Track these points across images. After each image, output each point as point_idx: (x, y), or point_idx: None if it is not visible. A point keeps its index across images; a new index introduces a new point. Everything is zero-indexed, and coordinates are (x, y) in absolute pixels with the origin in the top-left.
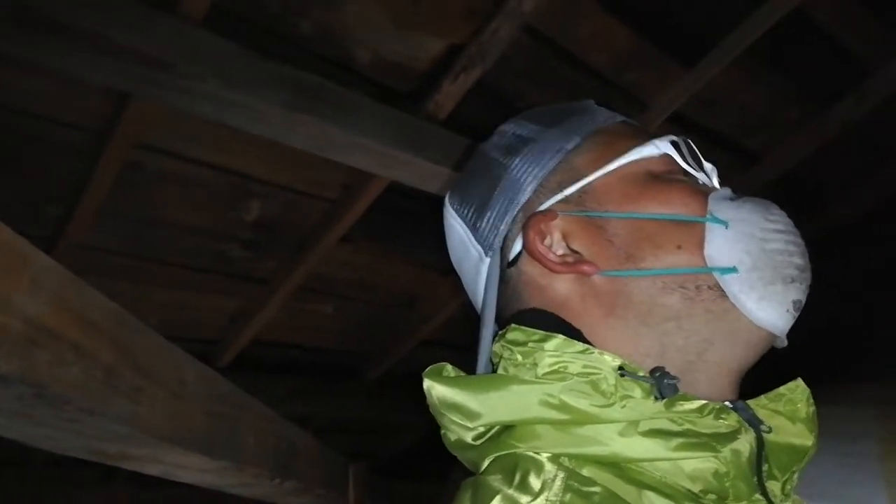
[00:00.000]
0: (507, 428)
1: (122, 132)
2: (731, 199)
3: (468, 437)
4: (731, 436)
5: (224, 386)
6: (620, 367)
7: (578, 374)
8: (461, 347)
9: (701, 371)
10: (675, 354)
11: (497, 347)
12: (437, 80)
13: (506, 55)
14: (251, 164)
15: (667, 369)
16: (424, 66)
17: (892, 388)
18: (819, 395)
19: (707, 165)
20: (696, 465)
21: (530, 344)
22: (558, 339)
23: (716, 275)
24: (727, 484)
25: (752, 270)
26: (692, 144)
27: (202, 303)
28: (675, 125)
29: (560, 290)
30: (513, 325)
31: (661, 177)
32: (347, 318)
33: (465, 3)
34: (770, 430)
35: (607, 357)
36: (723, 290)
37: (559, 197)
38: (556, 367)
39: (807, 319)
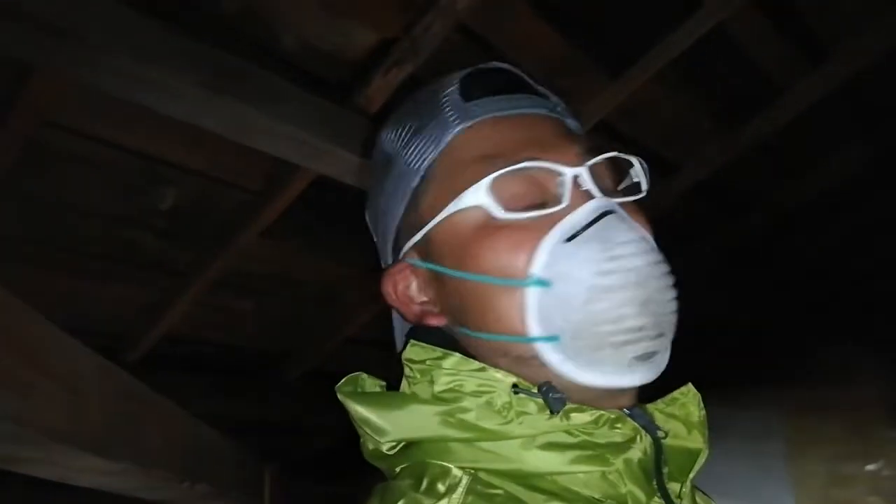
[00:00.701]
0: (415, 442)
1: (25, 106)
2: (571, 238)
3: (383, 448)
4: (625, 445)
5: (128, 382)
6: (514, 385)
7: (472, 394)
8: (386, 344)
9: (582, 401)
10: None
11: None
12: (369, 72)
13: (438, 52)
14: (167, 148)
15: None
16: (355, 57)
17: (799, 392)
18: (729, 397)
19: (567, 176)
20: (591, 476)
21: (428, 362)
22: (455, 358)
23: (538, 344)
24: (623, 491)
25: (575, 339)
26: (537, 163)
27: (110, 294)
28: (600, 134)
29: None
30: (412, 342)
31: (490, 224)
32: (267, 314)
33: None
34: (666, 435)
35: (500, 374)
36: (543, 361)
37: (412, 242)
38: (451, 385)
39: (718, 322)
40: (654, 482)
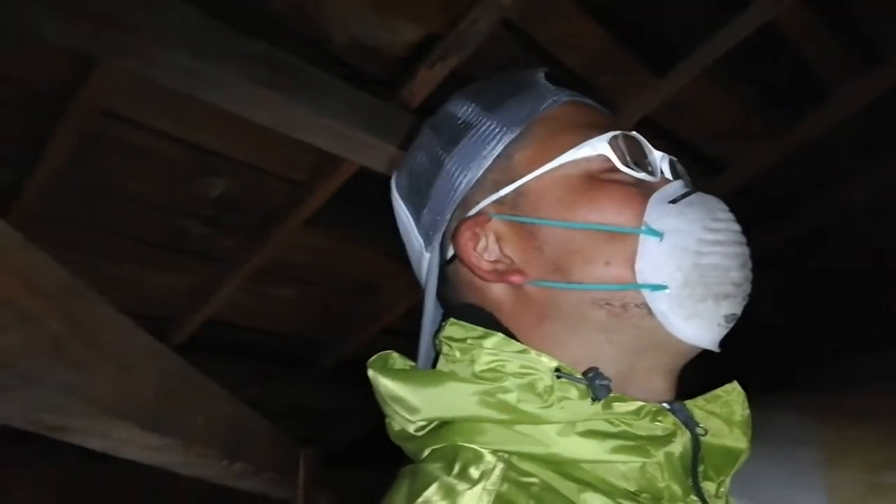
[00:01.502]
0: (448, 422)
1: (85, 97)
2: (674, 202)
3: (410, 428)
4: (667, 439)
5: (175, 362)
6: (557, 369)
7: (515, 374)
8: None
9: (633, 378)
10: (607, 364)
11: (438, 341)
12: (413, 67)
13: (483, 47)
14: (217, 139)
15: (608, 373)
16: (400, 53)
17: (836, 398)
18: (766, 401)
19: (656, 155)
20: (630, 467)
21: (469, 340)
22: (497, 338)
23: (645, 292)
24: (661, 486)
25: (684, 287)
26: (637, 137)
27: (157, 279)
28: (644, 130)
29: (495, 293)
30: (452, 320)
31: (599, 178)
32: (307, 303)
33: None
34: (706, 433)
35: (544, 358)
36: (650, 308)
37: (494, 198)
38: (493, 365)
39: (757, 326)
40: (690, 480)
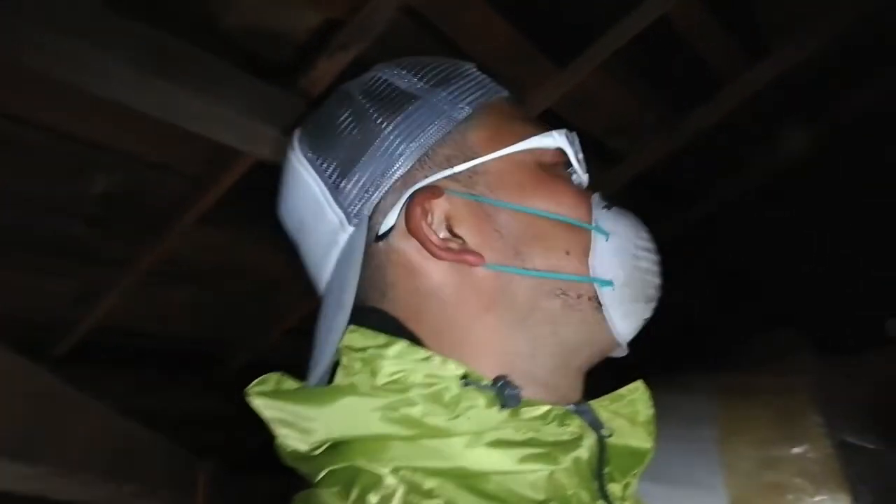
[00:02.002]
0: (346, 441)
1: None
2: (605, 209)
3: (304, 448)
4: (574, 443)
5: (49, 381)
6: (464, 376)
7: (420, 385)
8: None
9: (563, 375)
10: (545, 358)
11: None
12: (313, 55)
13: (385, 36)
14: (101, 132)
15: (536, 371)
16: (300, 39)
17: (727, 377)
18: (660, 383)
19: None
20: (539, 476)
21: (370, 350)
22: (401, 345)
23: (595, 286)
24: (570, 493)
25: (624, 286)
26: (577, 141)
27: (36, 284)
28: (547, 122)
29: (435, 276)
30: (352, 327)
31: (550, 171)
32: (204, 305)
33: None
34: (611, 434)
35: (451, 365)
36: (599, 302)
37: (447, 173)
38: (396, 376)
39: (659, 312)
40: (597, 483)
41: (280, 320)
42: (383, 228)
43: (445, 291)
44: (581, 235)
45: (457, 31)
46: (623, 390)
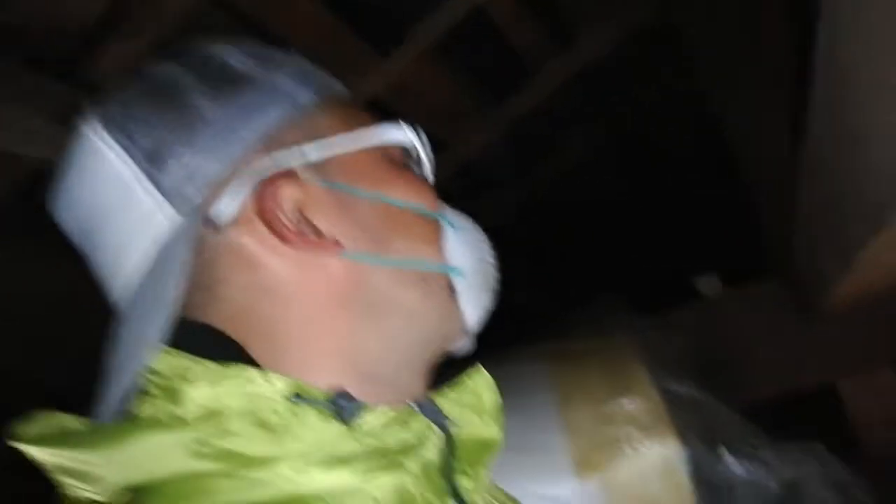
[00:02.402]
0: (153, 486)
1: None
2: (443, 202)
3: (102, 499)
4: (419, 444)
5: None
6: (296, 394)
7: (238, 409)
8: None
9: (410, 372)
10: (394, 354)
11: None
12: (100, 42)
13: (185, 18)
14: None
15: (382, 370)
16: (77, 25)
17: (559, 345)
18: (496, 361)
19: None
20: (385, 491)
21: (172, 373)
22: (208, 367)
23: (450, 275)
24: (418, 500)
25: (473, 276)
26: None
27: None
28: (372, 111)
29: (278, 270)
30: (164, 349)
31: (399, 163)
32: None
33: None
34: (456, 426)
35: (275, 380)
36: (453, 290)
37: (299, 159)
38: (209, 404)
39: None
40: (446, 481)
41: (89, 342)
42: (220, 216)
43: (289, 288)
44: (434, 226)
45: (264, 12)
46: (466, 380)
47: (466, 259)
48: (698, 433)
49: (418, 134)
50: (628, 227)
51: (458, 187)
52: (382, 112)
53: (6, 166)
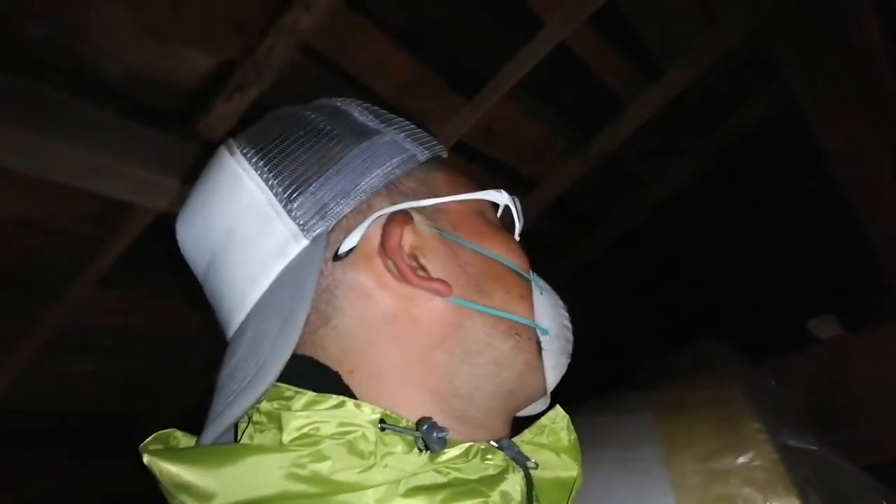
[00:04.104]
0: None
1: None
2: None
3: None
4: (499, 477)
5: None
6: (381, 420)
7: (333, 436)
8: None
9: (496, 417)
10: (483, 399)
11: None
12: (209, 99)
13: (285, 75)
14: None
15: (471, 411)
16: (192, 84)
17: (664, 392)
18: (595, 406)
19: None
20: None
21: (276, 403)
22: (307, 396)
23: (538, 332)
24: None
25: (555, 339)
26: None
27: None
28: (458, 153)
29: (389, 304)
30: (275, 385)
31: (495, 224)
32: (112, 374)
33: (233, 16)
34: (536, 466)
35: (366, 409)
36: (541, 348)
37: (415, 204)
38: (305, 429)
39: (584, 336)
40: None
41: (198, 381)
42: (344, 248)
43: (398, 322)
44: (526, 285)
45: (358, 67)
46: (544, 420)
47: (552, 321)
48: (820, 493)
49: (514, 200)
50: (730, 263)
51: (549, 225)
52: (468, 154)
53: (129, 217)
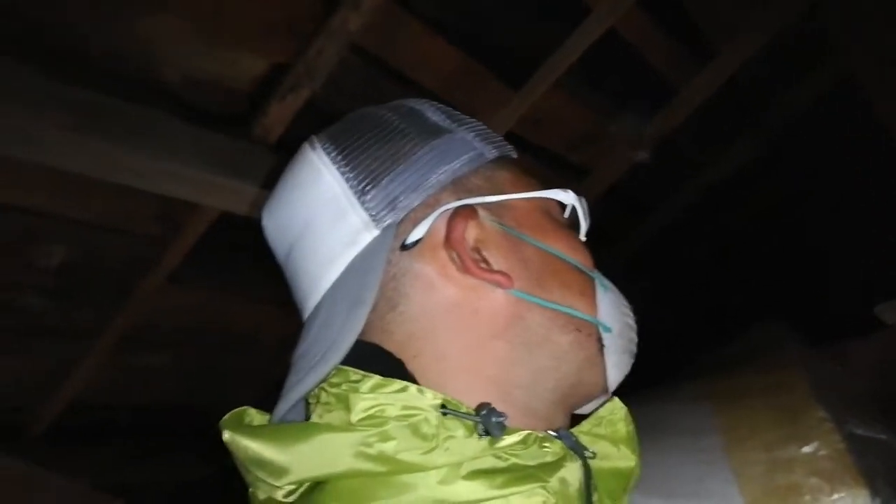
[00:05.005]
0: (319, 483)
1: None
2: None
3: (278, 495)
4: (557, 464)
5: (15, 466)
6: (443, 405)
7: (397, 418)
8: None
9: (555, 407)
10: (543, 392)
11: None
12: (263, 101)
13: (336, 74)
14: (47, 201)
15: (532, 402)
16: (246, 87)
17: (727, 381)
18: (658, 394)
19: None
20: (523, 501)
21: (344, 386)
22: (374, 380)
23: (600, 329)
24: None
25: (618, 336)
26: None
27: (2, 366)
28: (509, 143)
29: (452, 294)
30: (337, 367)
31: (559, 222)
32: (183, 368)
33: (284, 19)
34: (594, 456)
35: (428, 394)
36: (601, 345)
37: (480, 200)
38: (372, 411)
39: (643, 322)
40: None
41: (265, 373)
42: (411, 238)
43: (460, 311)
44: (589, 283)
45: (406, 63)
46: (602, 411)
47: (615, 319)
48: (890, 483)
49: (580, 199)
50: (790, 245)
51: (604, 212)
52: (517, 145)
53: (192, 217)
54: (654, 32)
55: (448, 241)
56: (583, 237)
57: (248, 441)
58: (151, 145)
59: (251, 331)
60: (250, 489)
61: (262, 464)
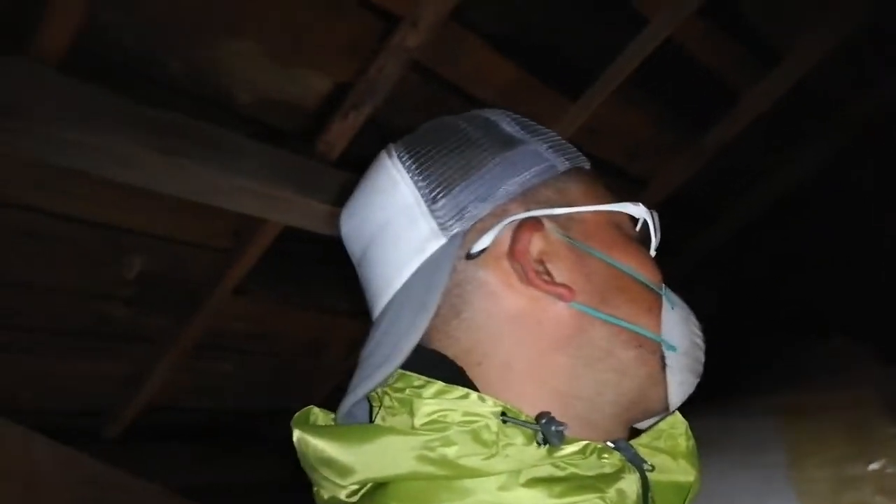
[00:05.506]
0: (382, 484)
1: None
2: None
3: (342, 494)
4: (616, 475)
5: (91, 468)
6: (503, 413)
7: (459, 423)
8: None
9: (615, 421)
10: (604, 405)
11: (378, 391)
12: (326, 118)
13: (396, 91)
14: (128, 216)
15: (593, 415)
16: (311, 105)
17: (791, 397)
18: (724, 409)
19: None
20: None
21: (408, 391)
22: (437, 386)
23: (664, 347)
24: None
25: (684, 355)
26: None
27: (82, 370)
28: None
29: (514, 304)
30: (399, 371)
31: (628, 236)
32: (249, 374)
33: (347, 39)
34: (653, 469)
35: (489, 402)
36: (664, 363)
37: (548, 212)
38: (434, 416)
39: (707, 334)
40: None
41: (327, 380)
42: (476, 248)
43: (524, 321)
44: (656, 299)
45: (465, 78)
46: (662, 425)
47: (681, 338)
48: None
49: (652, 213)
50: (861, 258)
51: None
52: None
53: (258, 231)
54: (714, 38)
55: (512, 252)
56: (653, 252)
57: (315, 440)
58: (230, 164)
59: (315, 339)
60: (315, 488)
61: (329, 463)
